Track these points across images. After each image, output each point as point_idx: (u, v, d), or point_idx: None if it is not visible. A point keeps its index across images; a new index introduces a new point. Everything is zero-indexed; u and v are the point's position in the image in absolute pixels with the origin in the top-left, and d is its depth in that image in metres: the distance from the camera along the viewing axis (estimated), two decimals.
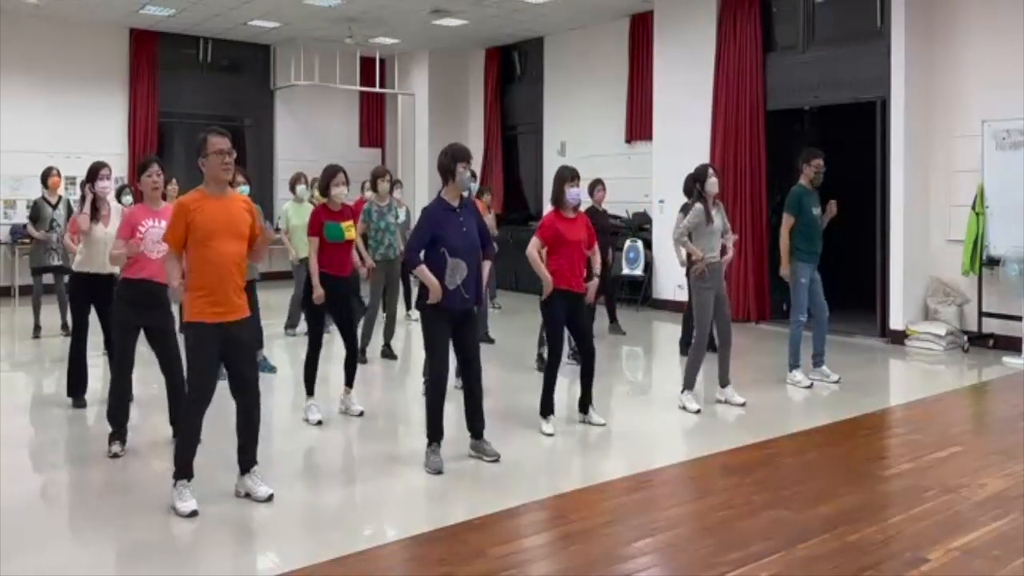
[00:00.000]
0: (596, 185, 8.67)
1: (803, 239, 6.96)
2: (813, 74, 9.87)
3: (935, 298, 8.96)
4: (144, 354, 5.33)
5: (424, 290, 4.90)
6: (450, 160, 4.94)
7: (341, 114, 15.65)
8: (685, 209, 6.51)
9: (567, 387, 6.59)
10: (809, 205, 6.96)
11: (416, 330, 9.96)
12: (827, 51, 9.77)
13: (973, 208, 8.58)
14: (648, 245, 11.54)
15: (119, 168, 11.72)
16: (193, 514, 4.12)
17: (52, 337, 9.06)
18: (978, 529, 3.99)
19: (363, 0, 11.57)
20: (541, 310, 5.74)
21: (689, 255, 6.55)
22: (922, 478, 4.75)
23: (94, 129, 13.05)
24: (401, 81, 15.54)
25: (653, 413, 6.41)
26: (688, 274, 7.03)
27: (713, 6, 10.73)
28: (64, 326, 9.02)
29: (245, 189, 6.89)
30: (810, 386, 7.01)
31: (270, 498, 4.35)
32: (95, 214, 5.94)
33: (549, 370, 5.71)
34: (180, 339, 4.54)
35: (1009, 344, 8.25)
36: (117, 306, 5.20)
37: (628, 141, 12.48)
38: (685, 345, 7.87)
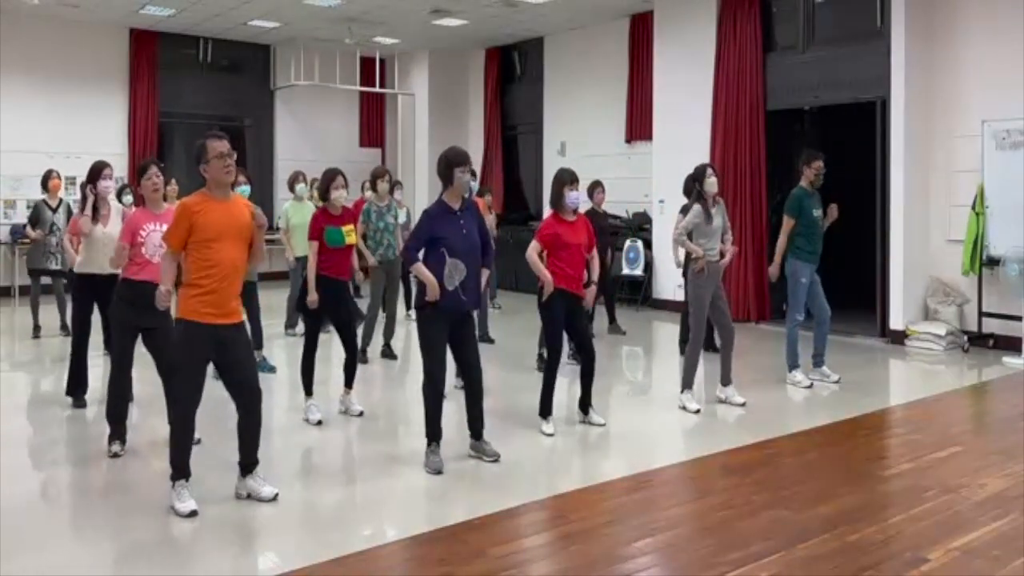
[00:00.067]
0: (595, 187, 8.66)
1: (804, 240, 6.96)
2: (813, 74, 9.87)
3: (935, 298, 8.96)
4: (144, 354, 5.32)
5: (423, 289, 4.89)
6: (446, 167, 4.95)
7: (341, 114, 15.65)
8: (685, 210, 6.52)
9: (567, 387, 6.59)
10: (809, 207, 6.96)
11: (415, 330, 9.92)
12: (827, 51, 9.77)
13: (973, 208, 8.58)
14: (648, 245, 11.54)
15: (119, 168, 11.69)
16: (192, 514, 4.12)
17: (52, 337, 9.06)
18: (978, 529, 3.99)
19: (363, 0, 11.57)
20: (540, 312, 5.74)
21: (688, 254, 6.55)
22: (922, 478, 4.75)
23: (94, 129, 13.06)
24: (401, 81, 15.55)
25: (653, 413, 6.41)
26: (685, 274, 7.04)
27: (713, 6, 10.73)
28: (63, 326, 9.02)
29: (246, 189, 6.91)
30: (810, 386, 7.02)
31: (275, 498, 4.35)
32: (95, 214, 5.94)
33: (549, 370, 5.71)
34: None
35: (1009, 344, 8.25)
36: (117, 306, 5.20)
37: (628, 141, 12.48)
38: (684, 344, 7.87)
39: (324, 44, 14.08)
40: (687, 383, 6.31)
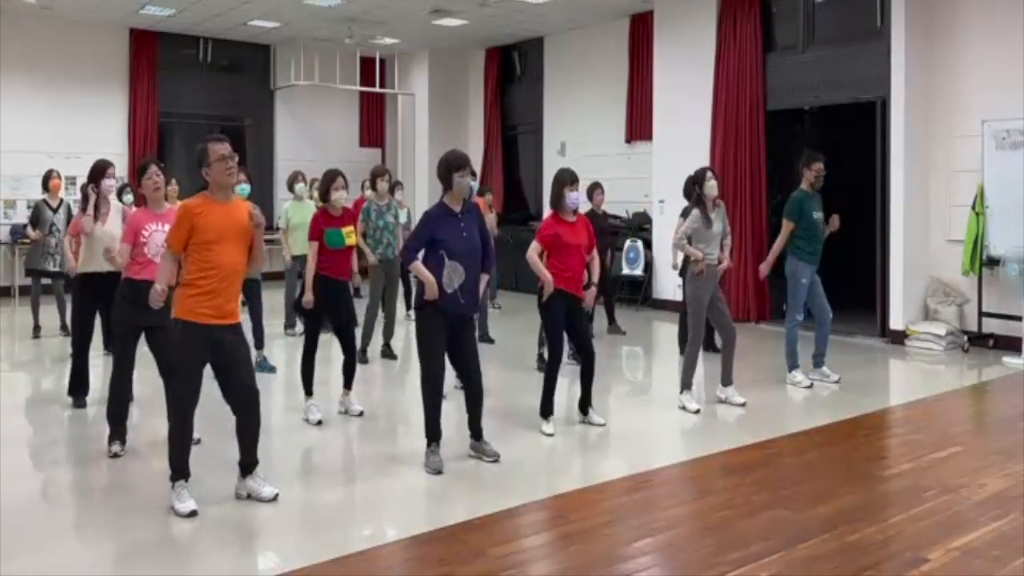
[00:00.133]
0: (595, 188, 8.67)
1: (804, 241, 6.96)
2: (813, 74, 9.87)
3: (935, 298, 8.97)
4: (145, 354, 5.32)
5: (423, 289, 4.89)
6: (445, 171, 4.95)
7: (341, 114, 15.65)
8: (686, 213, 6.53)
9: (567, 387, 6.59)
10: (809, 209, 6.96)
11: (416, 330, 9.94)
12: (827, 51, 9.77)
13: (973, 208, 8.58)
14: (648, 245, 11.54)
15: (119, 168, 11.68)
16: (192, 514, 4.12)
17: (52, 337, 9.06)
18: (978, 529, 3.99)
19: (363, 0, 11.57)
20: (540, 312, 5.74)
21: (687, 257, 6.55)
22: (922, 478, 4.75)
23: (94, 129, 13.06)
24: (401, 81, 15.55)
25: (653, 413, 6.41)
26: (683, 274, 7.04)
27: (713, 6, 10.73)
28: (63, 326, 9.02)
29: (246, 188, 6.91)
30: (810, 386, 7.02)
31: (275, 498, 4.35)
32: (96, 213, 5.94)
33: (549, 371, 5.71)
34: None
35: (1009, 344, 8.25)
36: (119, 306, 5.20)
37: (628, 141, 12.48)
38: (684, 344, 7.86)
39: (324, 44, 14.08)
40: (686, 383, 6.31)
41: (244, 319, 4.68)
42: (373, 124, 16.12)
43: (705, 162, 9.57)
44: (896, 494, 4.59)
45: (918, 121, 8.97)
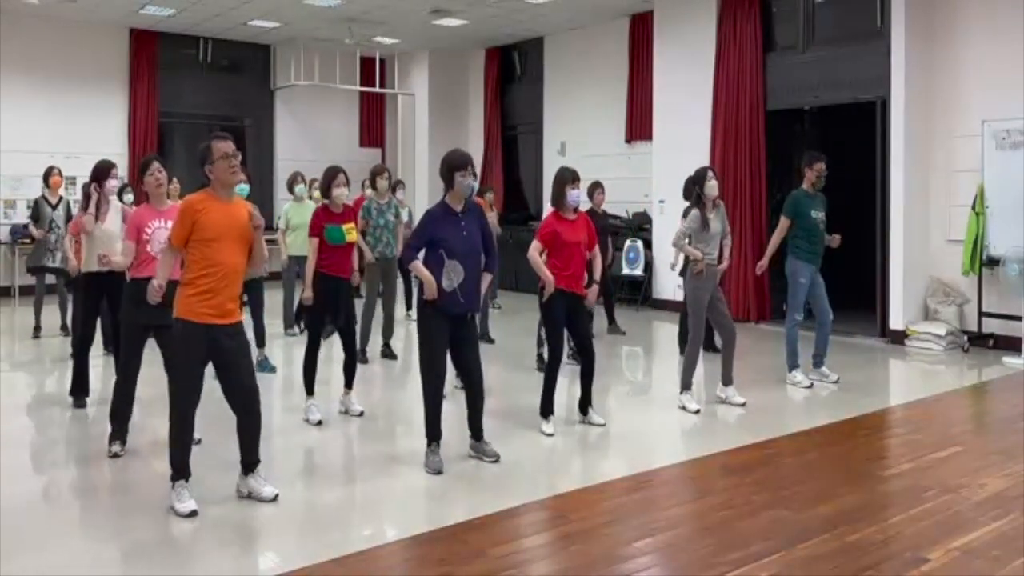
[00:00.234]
0: (595, 188, 8.69)
1: (803, 240, 6.97)
2: (813, 74, 9.87)
3: (935, 298, 8.97)
4: (146, 355, 5.32)
5: (423, 288, 4.90)
6: (447, 170, 4.95)
7: (341, 114, 15.65)
8: (687, 214, 6.54)
9: (567, 387, 6.59)
10: (808, 209, 6.96)
11: (415, 330, 9.92)
12: (827, 51, 9.77)
13: (973, 208, 8.58)
14: (648, 245, 11.55)
15: (119, 168, 11.75)
16: (192, 514, 4.13)
17: (52, 337, 9.06)
18: (978, 529, 3.99)
19: (363, 0, 11.57)
20: (541, 311, 5.75)
21: (687, 257, 6.55)
22: (922, 478, 4.75)
23: (94, 129, 13.06)
24: (401, 81, 15.55)
25: (653, 413, 6.41)
26: (683, 274, 7.04)
27: (713, 6, 10.73)
28: (64, 326, 9.02)
29: (245, 188, 6.90)
30: (810, 386, 7.02)
31: (275, 498, 4.35)
32: (97, 213, 5.95)
33: (549, 371, 5.71)
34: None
35: (1009, 344, 8.25)
36: (125, 307, 5.18)
37: (628, 141, 12.48)
38: (683, 343, 7.87)
39: (324, 44, 14.08)
40: (686, 384, 6.31)
41: (245, 318, 4.68)
42: (373, 124, 16.12)
43: (705, 162, 9.56)
44: (896, 494, 4.59)
45: (918, 121, 8.97)
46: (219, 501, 4.34)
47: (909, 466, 4.99)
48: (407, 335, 9.54)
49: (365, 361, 7.73)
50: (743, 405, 6.33)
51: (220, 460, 4.78)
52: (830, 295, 7.15)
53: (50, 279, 9.26)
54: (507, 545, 3.89)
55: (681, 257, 7.33)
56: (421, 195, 14.27)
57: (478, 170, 12.58)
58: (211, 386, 4.36)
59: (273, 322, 8.84)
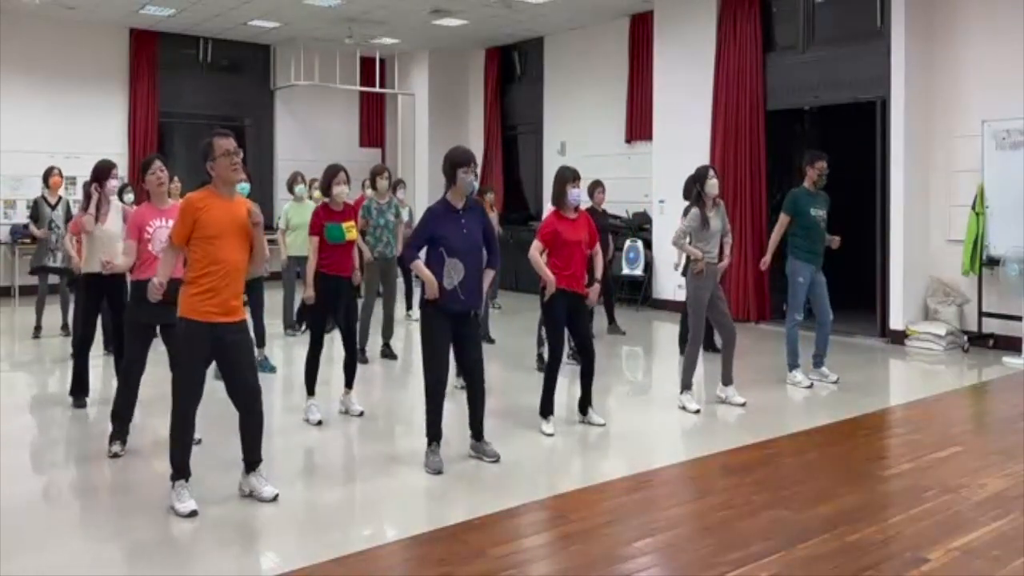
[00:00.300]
0: (596, 187, 8.70)
1: (802, 240, 6.97)
2: (813, 74, 9.88)
3: (935, 298, 8.97)
4: (148, 355, 5.32)
5: (425, 288, 4.90)
6: (450, 166, 4.94)
7: (341, 114, 15.65)
8: (688, 213, 6.56)
9: (567, 387, 6.59)
10: (808, 207, 6.96)
11: (415, 330, 9.92)
12: (827, 51, 9.77)
13: (973, 208, 8.58)
14: (648, 245, 11.55)
15: (120, 168, 11.77)
16: (192, 514, 4.13)
17: (52, 337, 9.06)
18: (978, 529, 3.99)
19: (363, 0, 11.57)
20: (542, 311, 5.75)
21: (688, 257, 6.55)
22: (922, 478, 4.75)
23: (94, 129, 13.05)
24: (401, 81, 15.55)
25: (653, 413, 6.41)
26: (684, 273, 7.04)
27: (713, 6, 10.73)
28: (64, 326, 9.02)
29: (245, 187, 6.90)
30: (810, 386, 7.02)
31: (275, 498, 4.35)
32: (97, 213, 5.95)
33: (549, 370, 5.71)
34: None
35: (1009, 344, 8.25)
36: (130, 309, 5.18)
37: (628, 141, 12.48)
38: (684, 343, 7.87)
39: (324, 44, 14.08)
40: (686, 383, 6.31)
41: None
42: (373, 124, 16.12)
43: (705, 162, 9.55)
44: (896, 494, 4.59)
45: (918, 121, 8.97)
46: (219, 501, 4.34)
47: (909, 466, 4.99)
48: (407, 335, 9.53)
49: (365, 361, 7.73)
50: (743, 405, 6.33)
51: (220, 460, 4.78)
52: (830, 295, 7.15)
53: (52, 279, 9.26)
54: (507, 545, 3.89)
55: (683, 257, 7.34)
56: (421, 195, 14.27)
57: (478, 170, 12.57)
58: (212, 386, 4.37)
59: (273, 322, 8.84)
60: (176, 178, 9.27)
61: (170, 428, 4.28)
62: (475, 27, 13.17)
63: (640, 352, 9.26)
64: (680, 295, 9.31)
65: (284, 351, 8.47)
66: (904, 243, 8.94)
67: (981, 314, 8.66)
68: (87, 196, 6.06)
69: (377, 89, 15.26)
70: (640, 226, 11.85)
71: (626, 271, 11.47)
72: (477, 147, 14.69)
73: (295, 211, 8.76)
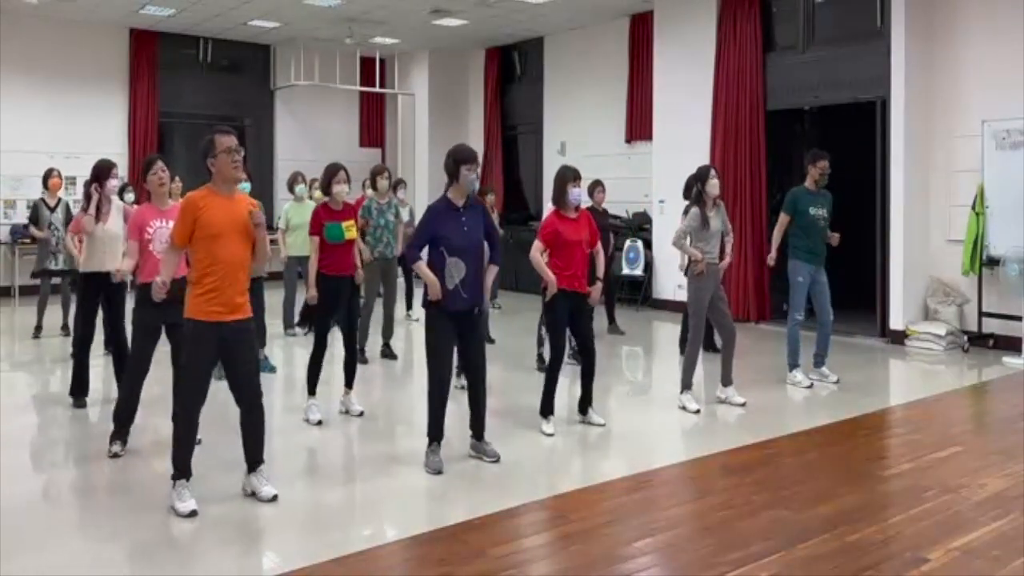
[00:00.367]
0: (596, 186, 8.69)
1: (800, 239, 6.98)
2: (813, 74, 9.88)
3: (935, 298, 8.97)
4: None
5: (427, 290, 4.90)
6: (453, 163, 4.94)
7: (341, 114, 15.65)
8: (687, 212, 6.56)
9: (567, 387, 6.59)
10: (807, 206, 6.96)
11: (415, 330, 9.96)
12: (827, 51, 9.77)
13: (973, 208, 8.58)
14: (648, 245, 11.55)
15: (120, 168, 11.78)
16: (192, 514, 4.13)
17: (52, 337, 9.06)
18: (978, 529, 3.99)
19: (363, 0, 11.57)
20: (544, 311, 5.74)
21: (689, 257, 6.55)
22: (922, 478, 4.75)
23: (94, 129, 13.06)
24: (401, 81, 15.55)
25: (653, 413, 6.41)
26: (686, 273, 7.04)
27: (713, 6, 10.73)
28: (64, 326, 9.02)
29: (246, 187, 6.90)
30: (810, 386, 7.02)
31: (274, 499, 4.35)
32: (98, 213, 5.94)
33: (551, 371, 5.70)
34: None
35: (1009, 344, 8.25)
36: (137, 311, 5.17)
37: (628, 141, 12.48)
38: (684, 344, 7.87)
39: (324, 44, 14.08)
40: (686, 383, 6.31)
41: None
42: (373, 124, 16.12)
43: (705, 162, 9.56)
44: (896, 494, 4.59)
45: (918, 121, 8.97)
46: (220, 501, 4.34)
47: (909, 466, 4.99)
48: (407, 335, 9.54)
49: (365, 361, 7.72)
50: (743, 405, 6.33)
51: (221, 460, 4.78)
52: (831, 295, 7.15)
53: (55, 279, 9.25)
54: (507, 545, 3.89)
55: (686, 257, 7.34)
56: (421, 194, 14.26)
57: (479, 170, 12.57)
58: (213, 386, 4.36)
59: (273, 322, 8.84)
60: (177, 178, 9.28)
61: (174, 428, 4.28)
62: (475, 27, 13.17)
63: (640, 352, 9.26)
64: (680, 295, 9.31)
65: (284, 351, 8.47)
66: (904, 243, 8.94)
67: (981, 314, 8.66)
68: (87, 196, 6.06)
69: (377, 89, 15.26)
70: (640, 226, 11.85)
71: (626, 271, 11.47)
72: (477, 147, 14.67)
73: (295, 211, 8.76)
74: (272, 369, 7.44)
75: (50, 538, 4.00)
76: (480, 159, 5.29)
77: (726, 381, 6.46)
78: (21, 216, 11.87)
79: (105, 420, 5.32)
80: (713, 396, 6.52)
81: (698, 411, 6.20)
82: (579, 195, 5.66)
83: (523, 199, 14.87)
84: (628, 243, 11.49)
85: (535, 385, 5.96)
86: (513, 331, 9.34)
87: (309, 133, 15.14)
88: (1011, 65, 8.40)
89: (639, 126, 12.20)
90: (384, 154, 15.93)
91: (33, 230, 9.12)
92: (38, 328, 9.16)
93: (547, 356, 5.83)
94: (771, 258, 7.27)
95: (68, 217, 8.69)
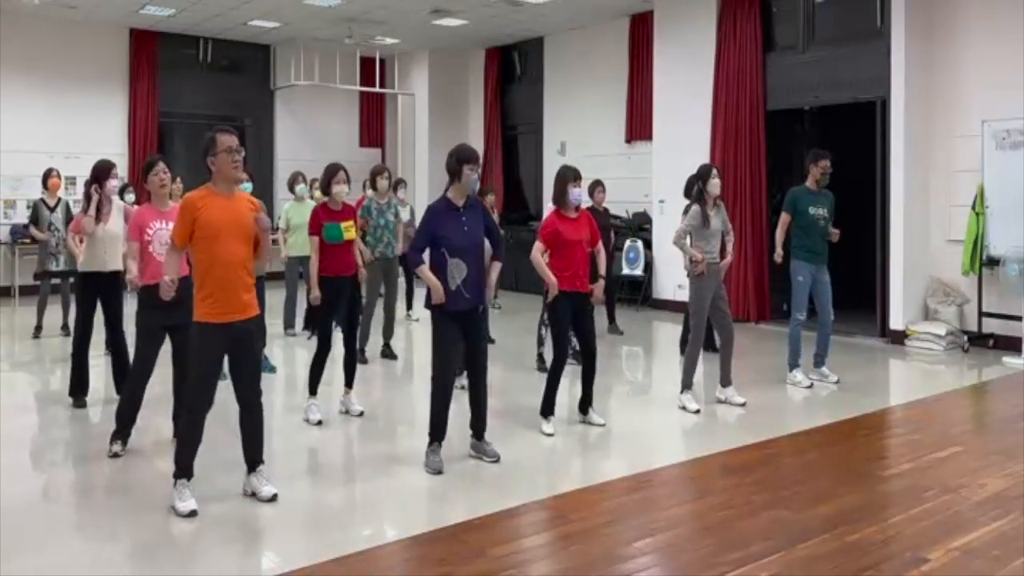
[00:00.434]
0: (596, 186, 8.70)
1: (799, 239, 6.98)
2: (813, 74, 9.88)
3: (935, 298, 8.97)
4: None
5: (431, 294, 4.89)
6: (456, 162, 4.94)
7: (341, 114, 15.65)
8: (687, 211, 6.56)
9: (567, 387, 6.58)
10: (807, 205, 6.96)
11: (416, 330, 9.97)
12: (827, 51, 9.77)
13: (973, 208, 8.58)
14: (648, 245, 11.55)
15: (120, 168, 11.78)
16: (192, 514, 4.13)
17: (52, 337, 9.06)
18: (978, 529, 3.99)
19: (363, 0, 11.57)
20: (548, 312, 5.74)
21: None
22: (922, 478, 4.75)
23: (94, 129, 13.06)
24: (401, 81, 15.55)
25: (653, 413, 6.41)
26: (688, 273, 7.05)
27: (713, 6, 10.73)
28: (64, 326, 9.02)
29: (248, 187, 6.90)
30: (810, 386, 7.02)
31: (274, 498, 4.35)
32: (98, 214, 5.94)
33: (553, 373, 5.69)
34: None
35: (1009, 344, 8.25)
36: (140, 313, 5.17)
37: (628, 141, 12.48)
38: (685, 345, 7.87)
39: (324, 44, 14.08)
40: (687, 383, 6.31)
41: None
42: (373, 124, 16.12)
43: (705, 162, 9.56)
44: (896, 494, 4.59)
45: (918, 121, 8.97)
46: (220, 500, 4.34)
47: (909, 466, 4.99)
48: (407, 335, 9.54)
49: (364, 361, 7.72)
50: (743, 405, 6.33)
51: (222, 460, 4.78)
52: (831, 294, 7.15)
53: (55, 280, 9.25)
54: (507, 545, 3.89)
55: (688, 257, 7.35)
56: (421, 194, 14.25)
57: (480, 171, 12.57)
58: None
59: (273, 322, 8.84)
60: (178, 178, 9.28)
61: (180, 428, 4.30)
62: (475, 27, 13.17)
63: (640, 352, 9.25)
64: (680, 295, 9.33)
65: (284, 351, 8.47)
66: (904, 243, 8.94)
67: (981, 314, 8.66)
68: (87, 197, 6.05)
69: (377, 89, 15.26)
70: (640, 226, 11.85)
71: (626, 271, 11.47)
72: (477, 147, 14.57)
73: (295, 211, 8.77)
74: (272, 369, 7.44)
75: (50, 538, 4.00)
76: (480, 159, 5.27)
77: (725, 382, 6.46)
78: (21, 216, 11.88)
79: (105, 420, 5.33)
80: (713, 396, 6.52)
81: (698, 411, 6.21)
82: (580, 195, 5.66)
83: (523, 199, 14.87)
84: (628, 243, 11.50)
85: (535, 385, 5.96)
86: (513, 331, 9.34)
87: (309, 133, 15.14)
88: (1011, 65, 8.40)
89: (639, 126, 12.20)
90: (384, 154, 15.93)
91: (33, 231, 9.12)
92: (38, 328, 9.16)
93: (547, 356, 5.83)
94: (778, 255, 7.27)
95: (68, 216, 8.69)
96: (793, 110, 10.36)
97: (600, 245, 5.82)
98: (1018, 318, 8.16)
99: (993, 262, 8.46)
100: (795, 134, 10.61)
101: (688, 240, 6.33)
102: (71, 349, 6.29)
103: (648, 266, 11.48)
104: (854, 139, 9.90)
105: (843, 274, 9.18)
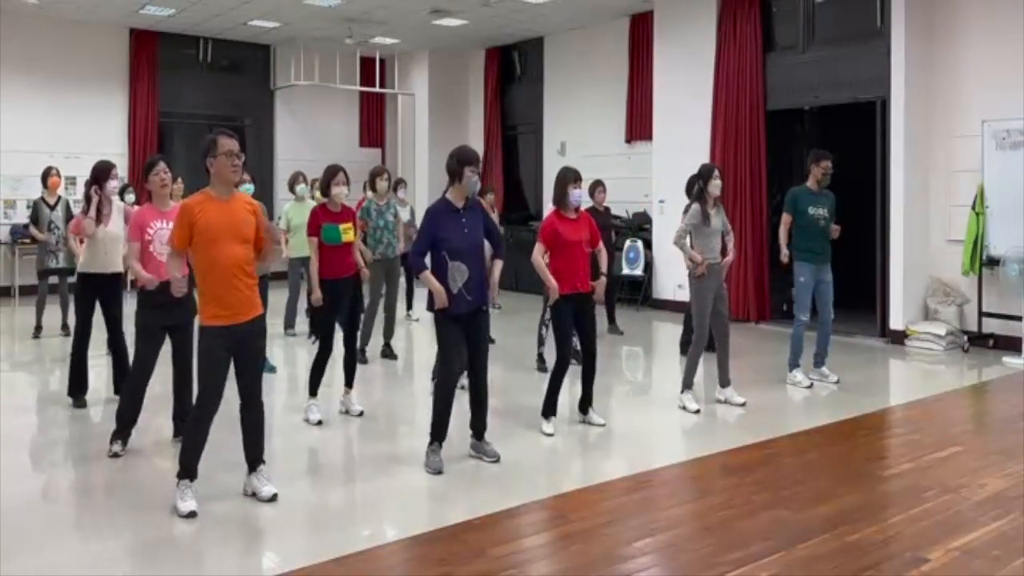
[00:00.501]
0: (596, 186, 8.71)
1: (800, 239, 6.98)
2: (813, 74, 9.88)
3: (935, 298, 8.97)
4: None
5: (433, 298, 4.89)
6: (457, 163, 4.94)
7: (341, 114, 15.65)
8: (687, 210, 6.56)
9: (567, 387, 6.57)
10: (806, 206, 6.96)
11: (416, 330, 9.97)
12: (827, 51, 9.77)
13: (973, 208, 8.58)
14: (648, 245, 11.55)
15: (119, 168, 11.77)
16: (192, 515, 4.13)
17: (52, 337, 9.06)
18: (978, 529, 3.99)
19: (363, 0, 11.57)
20: (550, 314, 5.74)
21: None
22: (922, 478, 4.75)
23: (94, 129, 13.06)
24: (401, 81, 15.55)
25: (653, 413, 6.41)
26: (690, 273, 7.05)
27: (713, 6, 10.73)
28: (64, 326, 9.02)
29: (249, 188, 6.90)
30: (810, 386, 7.02)
31: (274, 498, 4.35)
32: (98, 215, 5.93)
33: (556, 374, 5.69)
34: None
35: (1009, 344, 8.25)
36: (140, 314, 5.16)
37: (628, 141, 12.48)
38: (685, 345, 7.87)
39: (324, 44, 14.08)
40: (687, 383, 6.31)
41: None
42: (373, 124, 16.12)
43: (705, 162, 9.57)
44: (896, 494, 4.59)
45: (918, 121, 8.97)
46: (221, 500, 4.34)
47: (909, 466, 4.99)
48: (407, 335, 9.54)
49: (365, 361, 7.72)
50: (743, 405, 6.33)
51: (223, 460, 4.77)
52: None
53: (53, 279, 9.25)
54: (507, 545, 3.89)
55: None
56: (421, 195, 14.25)
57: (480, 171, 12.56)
58: None
59: (273, 322, 8.84)
60: (179, 178, 9.28)
61: (186, 429, 4.30)
62: (475, 27, 13.17)
63: (640, 352, 9.26)
64: (680, 295, 9.32)
65: (284, 351, 8.47)
66: (904, 243, 8.94)
67: (981, 314, 8.66)
68: (87, 198, 6.04)
69: (377, 89, 15.26)
70: (640, 226, 11.85)
71: (626, 271, 11.47)
72: (477, 147, 14.67)
73: (296, 211, 8.76)
74: (272, 369, 7.44)
75: (50, 538, 4.00)
76: (480, 160, 5.28)
77: (724, 382, 6.46)
78: (21, 216, 11.88)
79: (105, 420, 5.33)
80: (713, 396, 6.52)
81: (698, 411, 6.21)
82: (580, 196, 5.66)
83: (523, 199, 14.87)
84: (628, 243, 11.50)
85: (535, 385, 5.96)
86: (513, 331, 9.34)
87: (309, 133, 15.14)
88: (1011, 65, 8.40)
89: (639, 126, 12.20)
90: (384, 154, 15.94)
91: (34, 231, 9.11)
92: (38, 328, 9.16)
93: (547, 356, 5.82)
94: (783, 255, 7.25)
95: (68, 214, 8.70)
96: (793, 110, 10.35)
97: (601, 245, 5.82)
98: (1018, 318, 8.16)
99: (993, 262, 8.46)
100: (795, 134, 10.61)
101: (688, 240, 6.33)
102: (70, 349, 6.29)
103: (648, 266, 11.48)
104: (854, 139, 9.90)
105: (843, 274, 9.16)
